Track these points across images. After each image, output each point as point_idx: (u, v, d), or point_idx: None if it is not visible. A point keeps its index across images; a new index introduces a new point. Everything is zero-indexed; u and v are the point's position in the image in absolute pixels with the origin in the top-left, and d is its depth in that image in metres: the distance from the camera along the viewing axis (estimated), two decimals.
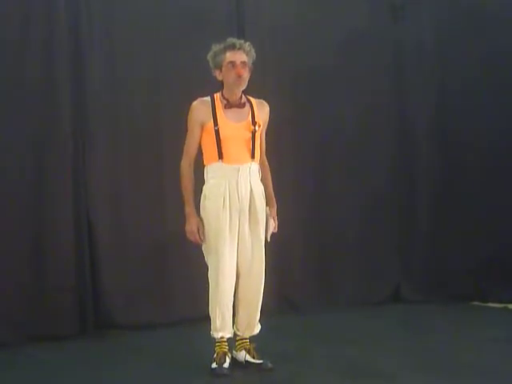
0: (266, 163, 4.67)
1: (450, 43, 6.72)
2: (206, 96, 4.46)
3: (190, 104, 4.46)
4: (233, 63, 4.35)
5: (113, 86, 5.76)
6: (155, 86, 5.89)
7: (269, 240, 4.56)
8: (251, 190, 4.44)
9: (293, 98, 6.30)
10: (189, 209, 4.44)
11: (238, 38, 4.63)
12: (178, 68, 5.86)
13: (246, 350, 4.56)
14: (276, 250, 5.24)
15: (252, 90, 4.52)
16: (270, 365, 4.46)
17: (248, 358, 4.53)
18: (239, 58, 4.35)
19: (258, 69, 4.54)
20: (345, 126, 6.58)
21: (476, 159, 6.68)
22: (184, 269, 5.78)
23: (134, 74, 5.80)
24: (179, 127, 4.61)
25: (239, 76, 4.35)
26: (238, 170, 4.41)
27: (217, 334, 4.47)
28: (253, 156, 4.46)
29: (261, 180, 4.55)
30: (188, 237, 4.46)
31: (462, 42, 6.68)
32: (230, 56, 4.35)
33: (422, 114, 6.83)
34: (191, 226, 4.43)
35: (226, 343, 4.51)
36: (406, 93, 6.83)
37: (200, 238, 4.43)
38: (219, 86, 4.47)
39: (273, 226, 4.56)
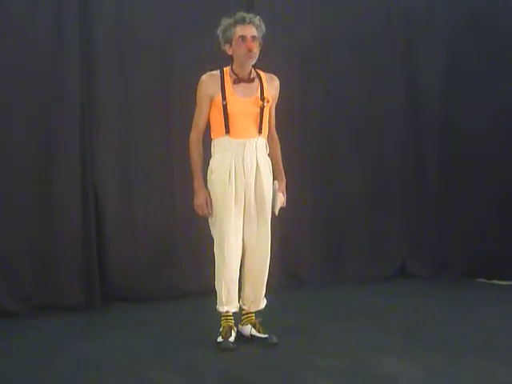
0: (276, 137, 4.65)
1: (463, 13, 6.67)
2: (216, 70, 4.43)
3: (200, 78, 4.43)
4: (243, 37, 4.30)
5: (122, 60, 5.71)
6: (165, 60, 5.84)
7: (277, 214, 4.55)
8: (257, 164, 4.42)
9: (301, 72, 6.23)
10: (197, 183, 4.44)
11: (248, 11, 4.59)
12: (189, 41, 5.80)
13: (251, 324, 4.58)
14: (283, 225, 5.25)
15: (261, 63, 4.48)
16: (275, 339, 4.47)
17: (254, 332, 4.56)
18: (249, 32, 4.31)
19: (267, 42, 4.49)
20: (353, 102, 6.52)
21: (485, 136, 6.62)
22: (191, 242, 5.78)
23: (144, 48, 5.75)
24: (189, 102, 4.59)
25: (250, 50, 4.30)
26: (245, 145, 4.39)
27: (222, 308, 4.48)
28: (260, 131, 4.44)
29: (270, 154, 4.54)
30: (196, 210, 4.46)
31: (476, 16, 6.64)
32: (240, 30, 4.31)
33: (431, 90, 6.76)
34: (200, 200, 4.43)
35: (232, 317, 4.53)
36: (415, 67, 6.77)
37: (208, 211, 4.43)
38: (229, 59, 4.43)
39: (282, 200, 4.55)
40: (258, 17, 4.38)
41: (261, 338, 4.51)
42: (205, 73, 4.45)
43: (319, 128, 6.44)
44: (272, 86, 4.51)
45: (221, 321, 4.52)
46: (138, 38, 5.74)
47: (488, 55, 6.56)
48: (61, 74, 5.45)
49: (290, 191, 4.68)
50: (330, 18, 6.37)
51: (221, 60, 4.50)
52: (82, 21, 5.49)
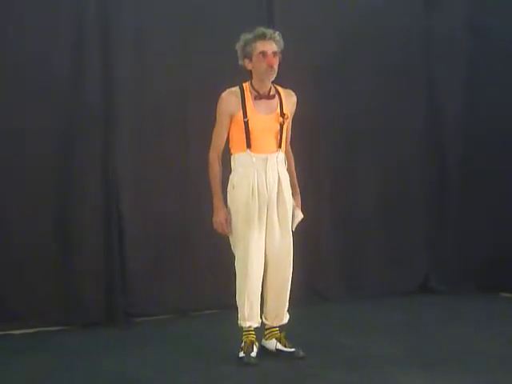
0: (290, 153, 4.66)
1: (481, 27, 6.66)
2: (235, 86, 4.44)
3: (218, 94, 4.44)
4: (264, 53, 4.32)
5: (140, 75, 5.76)
6: (182, 74, 5.88)
7: (293, 229, 4.54)
8: (279, 179, 4.44)
9: (320, 83, 6.22)
10: (217, 200, 4.44)
11: (268, 26, 4.61)
12: (206, 55, 5.85)
13: (276, 338, 4.57)
14: (302, 239, 5.22)
15: (280, 75, 4.49)
16: (301, 353, 4.47)
17: (279, 346, 4.55)
18: (270, 48, 4.33)
19: (286, 55, 4.50)
20: (371, 113, 6.50)
21: (508, 145, 6.60)
22: (212, 256, 5.79)
23: (161, 62, 5.80)
24: (205, 116, 4.62)
25: (271, 66, 4.33)
26: (266, 160, 4.41)
27: (245, 324, 4.48)
28: (279, 145, 4.46)
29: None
30: (215, 228, 4.47)
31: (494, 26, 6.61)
32: (260, 46, 4.32)
33: (451, 100, 6.75)
34: (219, 218, 4.44)
35: (254, 332, 4.52)
36: (436, 77, 6.76)
37: (227, 229, 4.44)
38: (247, 75, 4.46)
39: (299, 216, 4.55)
40: (277, 32, 4.40)
41: (287, 352, 4.50)
42: (222, 86, 4.48)
43: (336, 140, 6.42)
44: (290, 101, 4.52)
45: (242, 336, 4.51)
46: (156, 53, 5.79)
47: (508, 58, 6.55)
48: (81, 90, 5.52)
49: (307, 205, 4.69)
50: (348, 30, 6.38)
51: (237, 73, 4.53)
52: (102, 39, 5.58)
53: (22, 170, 5.38)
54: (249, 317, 4.44)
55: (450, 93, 6.74)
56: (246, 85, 4.44)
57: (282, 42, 4.40)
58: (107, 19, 5.60)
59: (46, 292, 5.41)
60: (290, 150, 4.66)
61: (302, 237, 4.89)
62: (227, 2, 6.02)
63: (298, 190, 4.63)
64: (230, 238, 4.50)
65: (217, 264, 5.74)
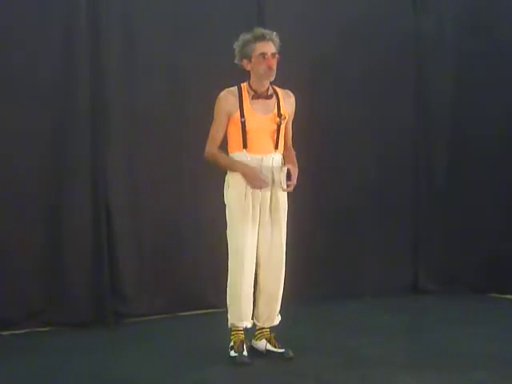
0: (293, 150, 4.62)
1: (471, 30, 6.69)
2: (231, 85, 4.45)
3: (209, 93, 4.47)
4: (264, 54, 4.32)
5: (131, 74, 5.74)
6: (173, 74, 5.87)
7: (285, 189, 4.41)
8: (273, 180, 4.43)
9: (310, 83, 6.20)
10: (237, 168, 4.34)
11: (258, 25, 4.61)
12: (197, 55, 5.84)
13: (266, 339, 4.58)
14: (292, 238, 5.23)
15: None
16: (291, 353, 4.48)
17: (269, 347, 4.56)
18: (269, 50, 4.34)
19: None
20: (362, 112, 6.52)
21: (496, 143, 6.61)
22: (202, 257, 5.79)
23: (153, 62, 5.78)
24: (197, 114, 4.61)
25: (270, 68, 4.33)
26: (262, 160, 4.41)
27: (241, 323, 4.47)
28: (276, 147, 4.46)
29: (285, 160, 4.51)
30: (256, 186, 4.33)
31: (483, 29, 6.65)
32: (260, 47, 4.33)
33: (441, 99, 6.77)
34: (252, 178, 4.32)
35: (243, 331, 4.51)
36: (425, 70, 6.78)
37: (264, 180, 4.33)
38: (240, 74, 4.47)
39: (284, 169, 4.39)
40: (274, 33, 4.40)
41: (277, 352, 4.51)
42: (214, 86, 4.49)
43: (324, 139, 6.37)
44: (288, 102, 4.54)
45: (231, 335, 4.50)
46: (148, 52, 5.76)
47: (497, 58, 6.59)
48: (71, 88, 5.48)
49: (295, 205, 4.68)
50: (339, 31, 6.39)
51: (230, 72, 4.54)
52: (92, 39, 5.53)
53: (11, 170, 5.33)
54: (244, 316, 4.44)
55: (440, 92, 6.77)
56: (243, 85, 4.44)
57: (279, 44, 4.40)
58: (97, 20, 5.56)
59: (36, 293, 5.38)
60: (292, 149, 4.62)
61: (292, 236, 4.90)
62: (218, 1, 6.00)
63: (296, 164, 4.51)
64: (227, 235, 4.45)
65: (207, 264, 5.74)
